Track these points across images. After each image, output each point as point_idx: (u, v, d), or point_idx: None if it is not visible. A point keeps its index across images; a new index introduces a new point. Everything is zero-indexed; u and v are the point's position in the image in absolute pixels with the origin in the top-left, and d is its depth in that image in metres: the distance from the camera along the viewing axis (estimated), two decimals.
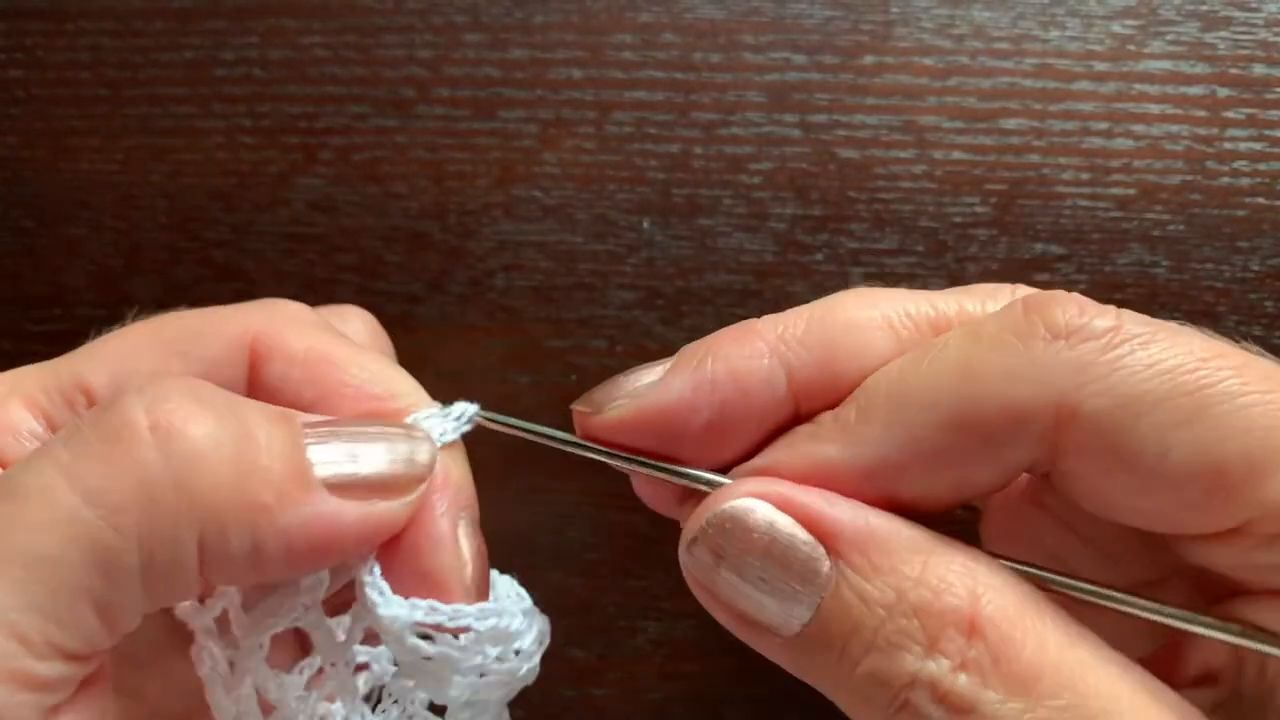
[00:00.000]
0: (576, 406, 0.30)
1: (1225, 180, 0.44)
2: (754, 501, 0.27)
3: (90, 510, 0.25)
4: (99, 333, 0.32)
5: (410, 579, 0.29)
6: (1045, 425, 0.26)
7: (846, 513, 0.26)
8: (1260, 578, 0.27)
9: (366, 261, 0.45)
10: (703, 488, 0.29)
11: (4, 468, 0.28)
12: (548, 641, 0.32)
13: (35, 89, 0.46)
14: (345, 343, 0.32)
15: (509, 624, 0.30)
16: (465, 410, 0.31)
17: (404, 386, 0.31)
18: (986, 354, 0.26)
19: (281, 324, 0.31)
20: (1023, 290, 0.30)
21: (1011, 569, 0.27)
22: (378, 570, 0.29)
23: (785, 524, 0.26)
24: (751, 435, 0.29)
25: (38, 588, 0.24)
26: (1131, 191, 0.44)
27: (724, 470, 0.29)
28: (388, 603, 0.29)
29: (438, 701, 0.31)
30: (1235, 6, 0.45)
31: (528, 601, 0.32)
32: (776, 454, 0.28)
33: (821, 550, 0.26)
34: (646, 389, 0.29)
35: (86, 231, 0.45)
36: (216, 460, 0.26)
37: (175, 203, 0.45)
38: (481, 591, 0.30)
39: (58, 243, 0.45)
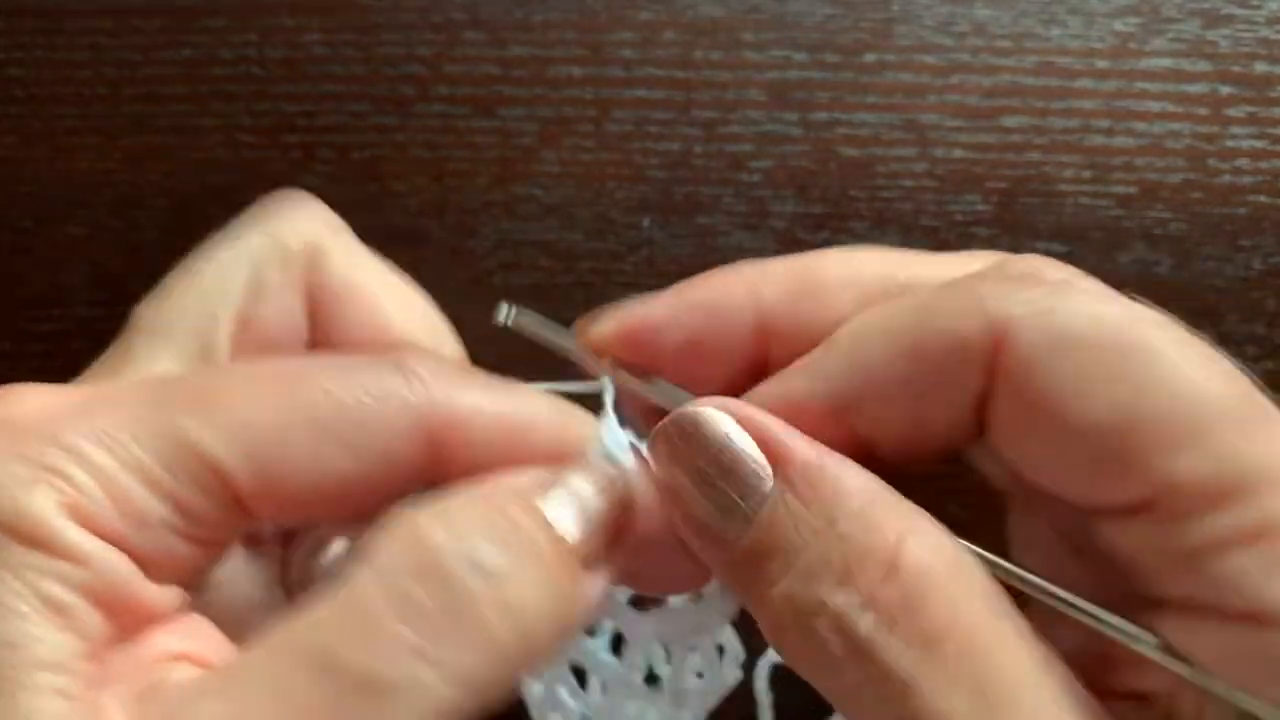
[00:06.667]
0: (579, 322, 0.32)
1: (1227, 178, 0.44)
2: (716, 412, 0.28)
3: (461, 692, 0.24)
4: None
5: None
6: (984, 353, 0.26)
7: (801, 444, 0.27)
8: (1173, 572, 0.26)
9: None
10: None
11: (144, 565, 0.24)
12: None
13: (34, 88, 0.46)
14: (510, 390, 0.30)
15: None
16: (608, 391, 0.31)
17: (577, 418, 0.30)
18: (944, 295, 0.27)
19: (451, 395, 0.28)
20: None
21: (969, 549, 0.26)
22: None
23: (740, 438, 0.27)
24: (722, 364, 0.31)
25: None
26: (1133, 190, 0.44)
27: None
28: None
29: None
30: (1237, 4, 0.45)
31: None
32: (754, 389, 0.30)
33: (769, 470, 0.26)
34: (632, 309, 0.31)
35: (85, 231, 0.45)
36: (547, 630, 0.26)
37: (174, 202, 0.45)
38: None
39: (56, 242, 0.45)
